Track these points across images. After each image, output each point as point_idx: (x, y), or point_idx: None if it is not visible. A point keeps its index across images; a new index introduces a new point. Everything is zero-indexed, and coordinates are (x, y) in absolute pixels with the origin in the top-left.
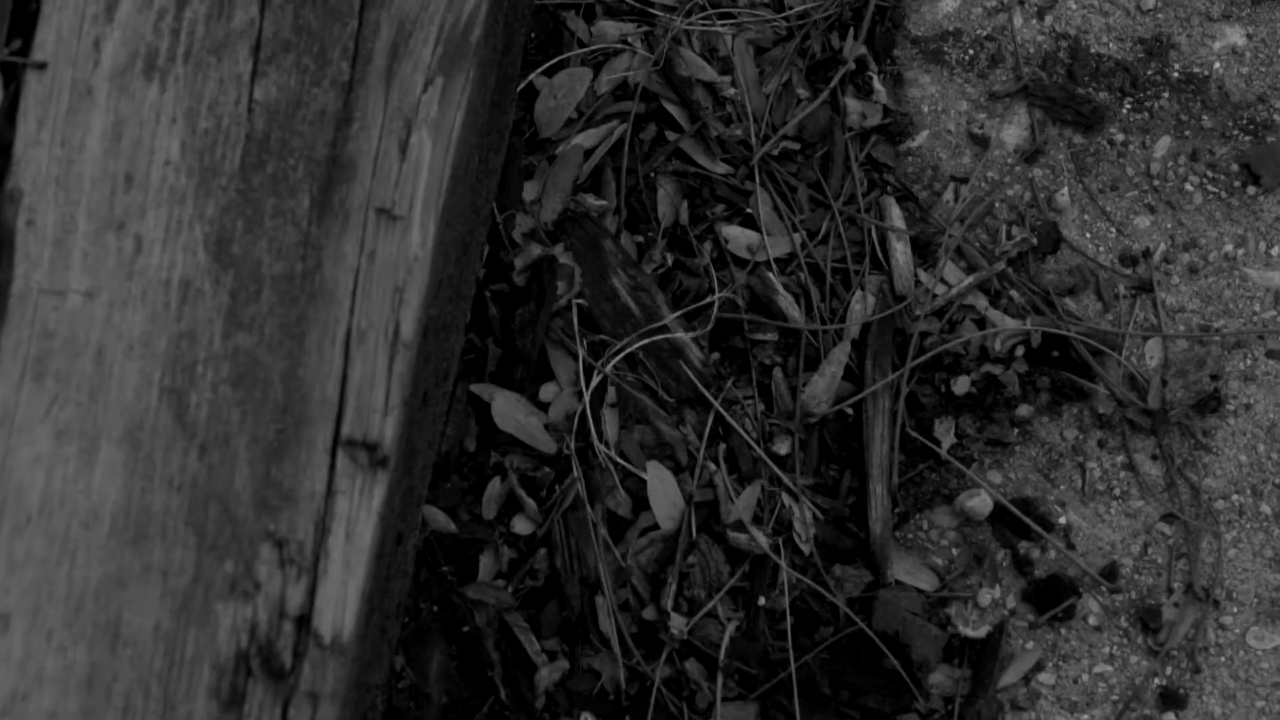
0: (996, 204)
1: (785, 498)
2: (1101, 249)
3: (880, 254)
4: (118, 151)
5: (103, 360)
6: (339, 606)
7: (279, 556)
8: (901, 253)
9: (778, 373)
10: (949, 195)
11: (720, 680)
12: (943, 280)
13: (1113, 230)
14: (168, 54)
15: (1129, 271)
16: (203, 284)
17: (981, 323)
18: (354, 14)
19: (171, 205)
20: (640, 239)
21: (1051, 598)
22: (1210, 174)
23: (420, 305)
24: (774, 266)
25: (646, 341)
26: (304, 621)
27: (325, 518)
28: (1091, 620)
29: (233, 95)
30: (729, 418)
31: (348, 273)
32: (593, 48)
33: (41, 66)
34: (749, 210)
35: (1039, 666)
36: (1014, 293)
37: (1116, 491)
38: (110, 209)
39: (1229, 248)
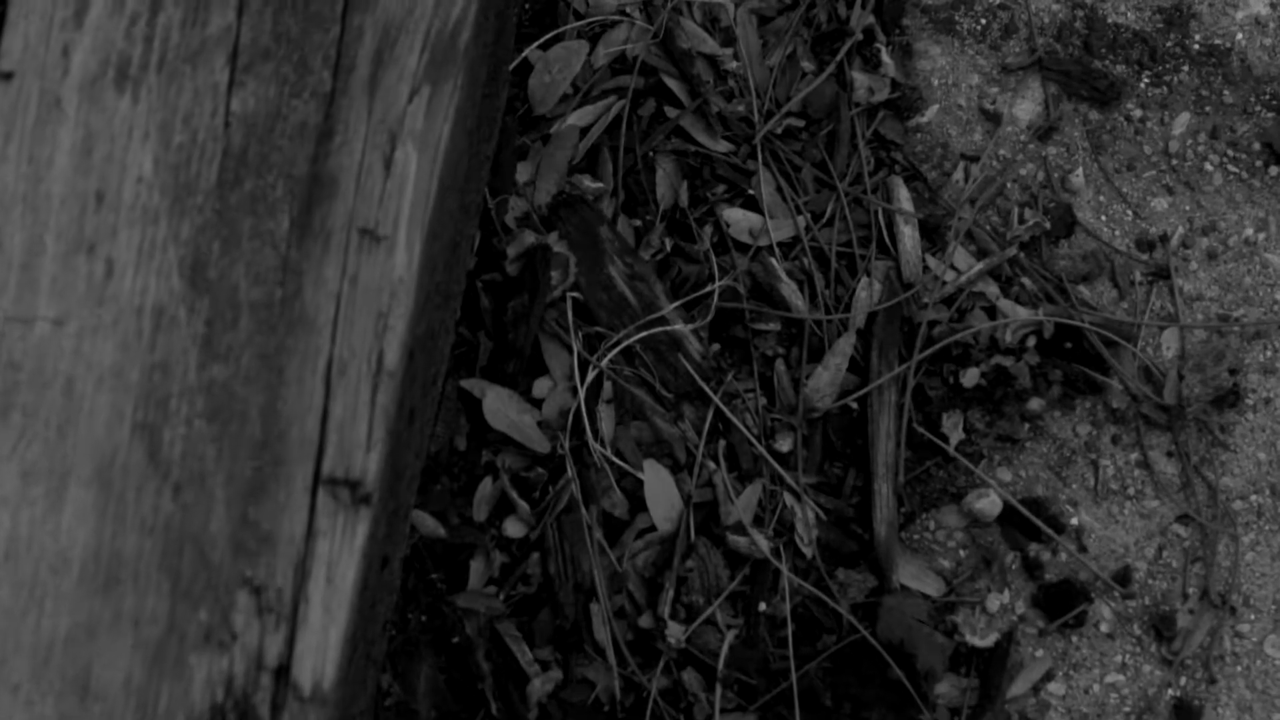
0: (1008, 184)
1: (787, 497)
2: (1117, 233)
3: (887, 237)
4: (88, 168)
5: (72, 393)
6: (319, 655)
7: (256, 604)
8: (909, 236)
9: (780, 365)
10: (959, 175)
11: (719, 691)
12: (952, 266)
13: (1129, 213)
14: (140, 62)
15: (1145, 257)
16: (177, 311)
17: (992, 311)
18: (336, 19)
19: (144, 226)
20: (638, 223)
21: (1062, 603)
22: (1231, 153)
23: (406, 330)
24: (776, 251)
25: (644, 334)
26: (282, 673)
27: (305, 561)
28: (1103, 627)
29: (208, 107)
30: (729, 413)
31: (329, 298)
32: (590, 19)
33: (8, 76)
34: (751, 191)
35: (1049, 676)
36: (1026, 280)
37: (1130, 491)
38: (80, 230)
39: (1249, 231)
